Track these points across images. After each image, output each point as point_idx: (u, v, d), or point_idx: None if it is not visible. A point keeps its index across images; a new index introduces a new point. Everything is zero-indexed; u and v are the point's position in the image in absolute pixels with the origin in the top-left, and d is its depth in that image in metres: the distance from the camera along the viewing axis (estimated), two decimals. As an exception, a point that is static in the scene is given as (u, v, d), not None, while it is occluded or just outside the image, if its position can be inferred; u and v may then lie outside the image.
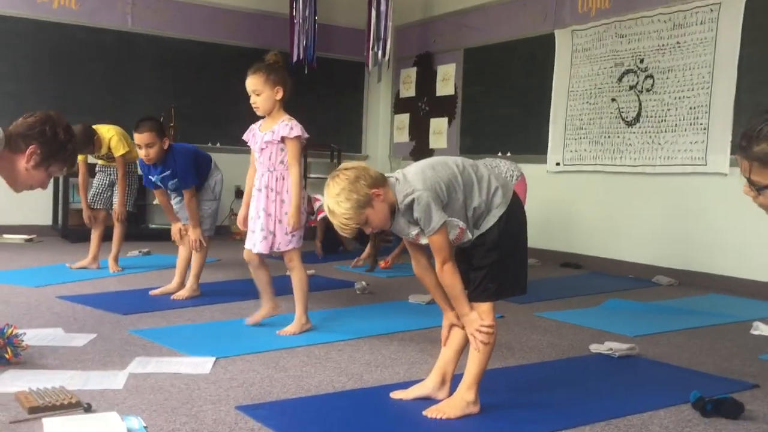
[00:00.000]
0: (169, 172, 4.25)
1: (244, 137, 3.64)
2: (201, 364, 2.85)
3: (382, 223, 2.31)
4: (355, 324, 3.74)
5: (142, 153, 4.19)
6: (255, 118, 3.63)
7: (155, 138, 4.15)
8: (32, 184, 2.64)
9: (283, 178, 3.46)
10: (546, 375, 2.99)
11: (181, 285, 4.36)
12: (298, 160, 3.46)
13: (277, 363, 2.96)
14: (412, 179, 2.28)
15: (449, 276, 2.31)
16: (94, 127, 5.04)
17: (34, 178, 2.61)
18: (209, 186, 4.43)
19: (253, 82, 3.43)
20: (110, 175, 5.26)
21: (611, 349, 3.28)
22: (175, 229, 4.42)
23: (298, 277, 3.52)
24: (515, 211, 2.40)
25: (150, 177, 4.31)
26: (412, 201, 2.25)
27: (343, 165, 2.35)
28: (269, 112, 3.46)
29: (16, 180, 2.60)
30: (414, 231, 2.31)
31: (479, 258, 2.36)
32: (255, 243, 3.48)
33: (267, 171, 3.47)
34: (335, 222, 2.28)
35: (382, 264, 5.85)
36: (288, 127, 3.43)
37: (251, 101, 3.46)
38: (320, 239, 6.57)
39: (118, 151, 5.04)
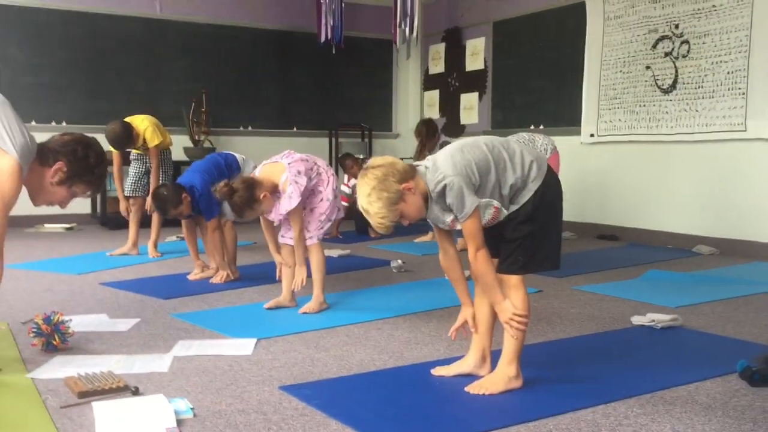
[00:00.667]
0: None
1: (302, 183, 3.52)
2: (243, 346, 2.88)
3: (418, 214, 2.30)
4: (393, 302, 3.75)
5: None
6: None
7: (178, 208, 4.14)
8: (52, 200, 2.65)
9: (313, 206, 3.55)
10: (588, 348, 2.96)
11: (198, 257, 4.50)
12: (299, 218, 3.48)
13: (317, 343, 2.98)
14: (442, 165, 2.26)
15: (482, 263, 2.29)
16: (127, 119, 5.11)
17: (55, 195, 2.62)
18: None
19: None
20: (146, 162, 5.32)
21: (653, 321, 3.24)
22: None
23: (316, 258, 3.57)
24: (551, 184, 2.38)
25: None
26: (444, 187, 2.23)
27: (371, 162, 2.32)
28: (270, 210, 3.50)
29: (39, 193, 2.61)
30: (449, 218, 2.29)
31: (511, 230, 2.34)
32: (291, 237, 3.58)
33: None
34: (372, 221, 2.27)
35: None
36: (288, 197, 3.42)
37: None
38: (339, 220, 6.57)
39: (153, 141, 5.10)
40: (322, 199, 3.55)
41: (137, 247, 5.37)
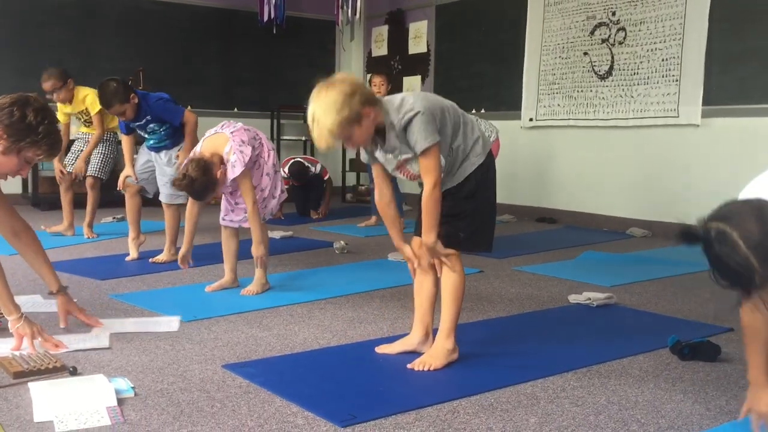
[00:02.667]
0: (145, 120, 4.14)
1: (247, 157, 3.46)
2: (168, 323, 2.87)
3: (364, 142, 2.30)
4: (336, 283, 3.76)
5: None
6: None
7: (123, 105, 4.03)
8: (5, 171, 2.41)
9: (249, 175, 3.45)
10: (527, 325, 3.04)
11: (139, 237, 4.39)
12: (250, 189, 3.38)
13: (260, 322, 2.96)
14: (414, 100, 2.27)
15: (434, 201, 2.28)
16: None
17: (6, 166, 2.37)
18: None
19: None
20: (88, 142, 5.21)
21: (589, 299, 3.34)
22: (123, 174, 4.32)
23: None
24: (492, 167, 2.46)
25: (130, 125, 4.23)
26: (412, 117, 2.23)
27: (339, 75, 2.27)
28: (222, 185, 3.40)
29: None
30: (405, 155, 2.30)
31: (454, 206, 2.38)
32: (233, 219, 3.56)
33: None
34: (316, 132, 2.18)
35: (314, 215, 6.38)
36: (232, 166, 3.33)
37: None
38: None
39: (95, 108, 4.99)
40: (262, 174, 3.50)
41: (73, 228, 5.23)
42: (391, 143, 2.30)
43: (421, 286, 2.54)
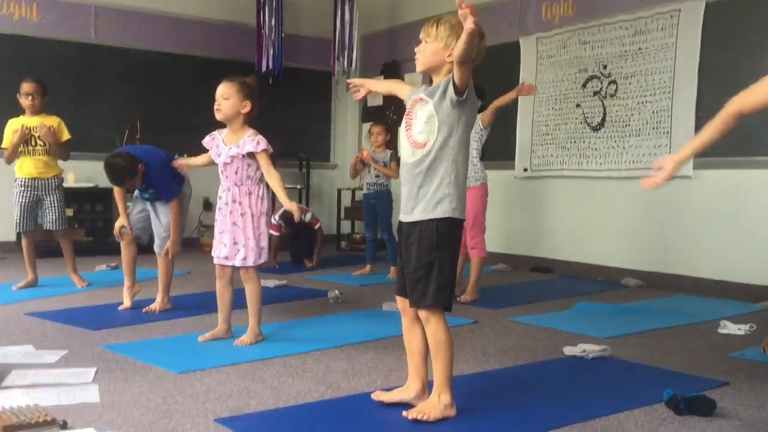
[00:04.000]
0: (144, 186, 4.21)
1: (204, 141, 3.61)
2: (82, 374, 2.84)
3: (430, 60, 2.43)
4: (330, 333, 3.74)
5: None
6: (221, 127, 3.61)
7: (134, 179, 4.09)
8: None
9: (251, 193, 3.47)
10: (522, 378, 3.02)
11: (134, 286, 4.36)
12: (273, 166, 3.50)
13: (253, 374, 2.94)
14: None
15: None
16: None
17: None
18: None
19: (225, 87, 3.46)
20: (36, 189, 4.96)
21: (584, 351, 3.33)
22: (118, 224, 4.29)
23: (254, 289, 3.51)
24: (460, 230, 2.46)
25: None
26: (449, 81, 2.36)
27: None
28: (229, 119, 3.46)
29: None
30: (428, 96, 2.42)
31: (418, 257, 2.39)
32: (227, 255, 3.47)
33: (234, 185, 3.47)
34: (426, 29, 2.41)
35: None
36: (254, 141, 3.44)
37: (216, 105, 3.45)
38: (275, 250, 6.50)
39: (65, 135, 4.96)
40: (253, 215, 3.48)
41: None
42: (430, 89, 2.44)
43: (410, 341, 2.54)
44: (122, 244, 4.34)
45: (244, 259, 3.45)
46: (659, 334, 3.88)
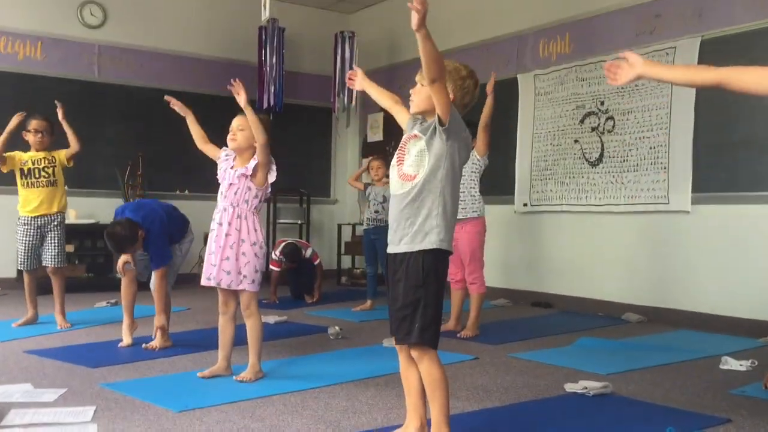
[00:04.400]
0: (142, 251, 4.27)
1: (223, 151, 3.64)
2: (81, 413, 2.82)
3: (423, 103, 2.47)
4: (330, 370, 3.72)
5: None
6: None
7: (134, 245, 4.13)
8: None
9: (245, 218, 3.48)
10: (523, 416, 3.00)
11: (134, 323, 4.35)
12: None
13: (253, 412, 2.93)
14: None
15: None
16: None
17: None
18: (178, 246, 4.40)
19: (241, 120, 3.51)
20: (41, 227, 4.94)
21: (586, 388, 3.32)
22: (121, 260, 4.27)
23: (255, 325, 3.51)
24: (446, 263, 2.46)
25: None
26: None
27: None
28: (242, 150, 3.52)
29: None
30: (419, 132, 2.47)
31: (404, 294, 2.39)
32: (211, 276, 3.46)
33: (230, 206, 3.49)
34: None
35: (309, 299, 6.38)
36: (255, 160, 3.49)
37: (230, 135, 3.50)
38: (276, 285, 6.51)
39: (69, 161, 5.02)
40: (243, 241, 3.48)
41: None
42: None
43: (407, 378, 2.53)
44: (123, 282, 4.35)
45: (228, 282, 3.44)
46: (661, 371, 3.86)
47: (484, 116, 4.81)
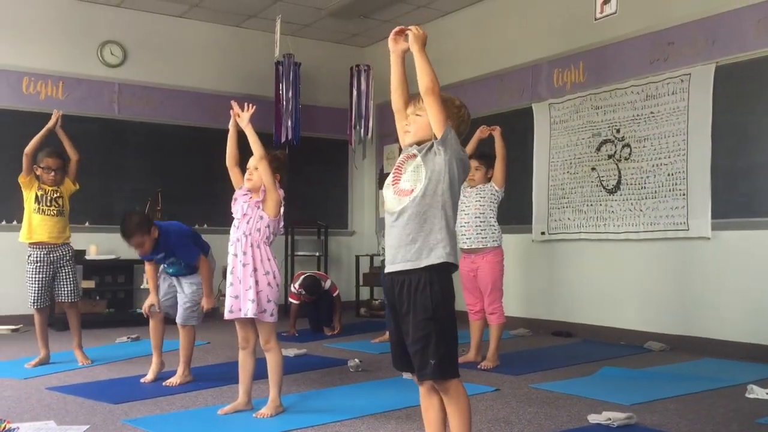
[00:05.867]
0: (162, 254, 4.26)
1: (239, 192, 3.72)
2: None
3: (423, 131, 2.47)
4: (351, 403, 3.71)
5: (139, 251, 4.25)
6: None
7: (143, 237, 4.16)
8: None
9: (257, 247, 3.50)
10: (546, 448, 2.96)
11: (162, 363, 4.35)
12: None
13: (274, 448, 2.92)
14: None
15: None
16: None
17: None
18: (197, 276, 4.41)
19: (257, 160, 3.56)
20: (53, 262, 4.91)
21: (609, 419, 3.27)
22: (147, 303, 4.31)
23: (275, 360, 3.51)
24: (451, 281, 2.41)
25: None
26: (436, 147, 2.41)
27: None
28: (258, 189, 3.57)
29: None
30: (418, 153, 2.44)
31: (415, 329, 2.34)
32: (234, 308, 3.46)
33: (243, 235, 3.53)
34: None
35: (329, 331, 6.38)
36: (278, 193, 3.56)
37: (247, 175, 3.60)
38: (295, 318, 6.52)
39: (72, 188, 5.12)
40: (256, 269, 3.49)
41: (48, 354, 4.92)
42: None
43: (427, 410, 2.51)
44: (151, 323, 4.38)
45: (255, 311, 3.42)
46: (685, 400, 3.81)
47: (499, 149, 4.88)
